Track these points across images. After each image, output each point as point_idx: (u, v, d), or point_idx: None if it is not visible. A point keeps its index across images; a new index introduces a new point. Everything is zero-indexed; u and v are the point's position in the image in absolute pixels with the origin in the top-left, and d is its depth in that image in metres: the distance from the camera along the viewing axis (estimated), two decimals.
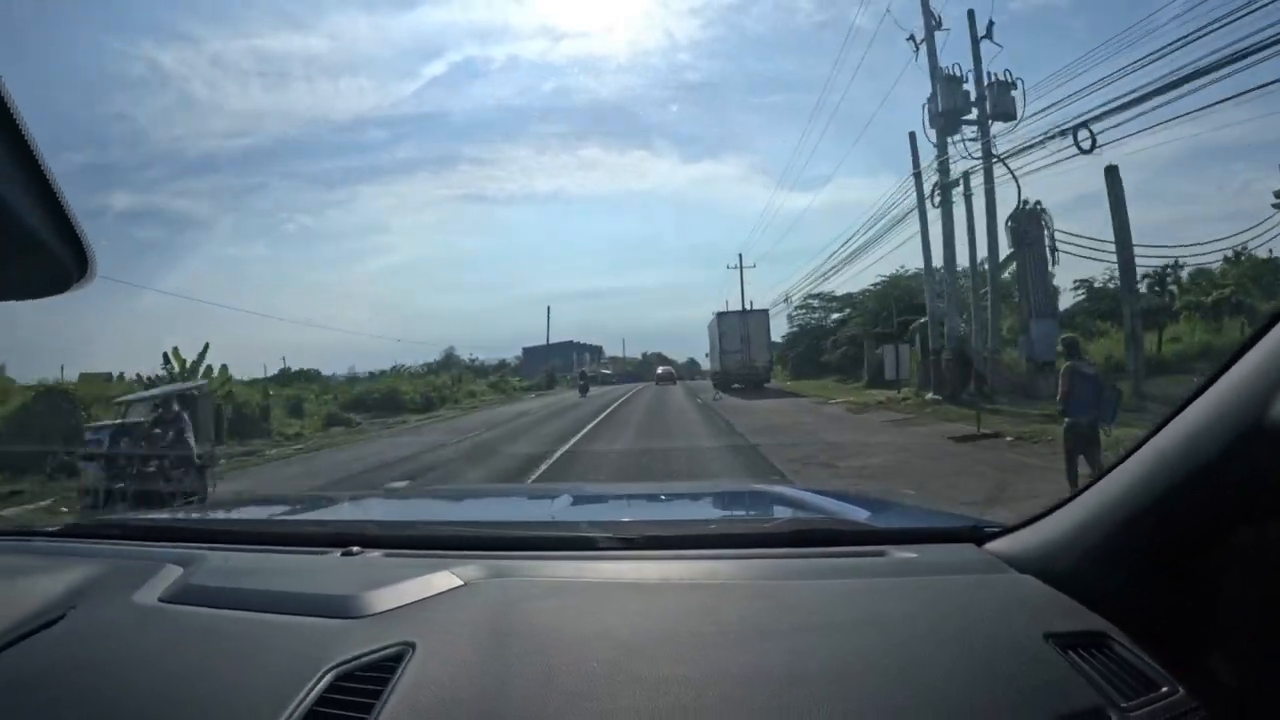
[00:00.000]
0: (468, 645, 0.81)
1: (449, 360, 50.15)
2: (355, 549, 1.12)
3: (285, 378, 31.01)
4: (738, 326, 28.60)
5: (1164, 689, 0.72)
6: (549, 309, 71.73)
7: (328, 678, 0.76)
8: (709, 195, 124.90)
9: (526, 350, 64.64)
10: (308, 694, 0.74)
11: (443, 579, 0.96)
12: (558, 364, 57.37)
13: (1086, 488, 0.89)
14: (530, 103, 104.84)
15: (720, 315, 30.57)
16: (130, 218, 54.57)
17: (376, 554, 1.11)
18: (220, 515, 1.84)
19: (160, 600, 0.97)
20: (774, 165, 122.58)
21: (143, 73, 70.95)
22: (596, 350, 76.80)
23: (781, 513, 1.56)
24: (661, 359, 63.65)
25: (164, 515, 1.82)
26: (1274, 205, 17.41)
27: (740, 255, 41.80)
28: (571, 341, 69.24)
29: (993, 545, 1.02)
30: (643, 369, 69.06)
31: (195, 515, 1.94)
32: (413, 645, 0.80)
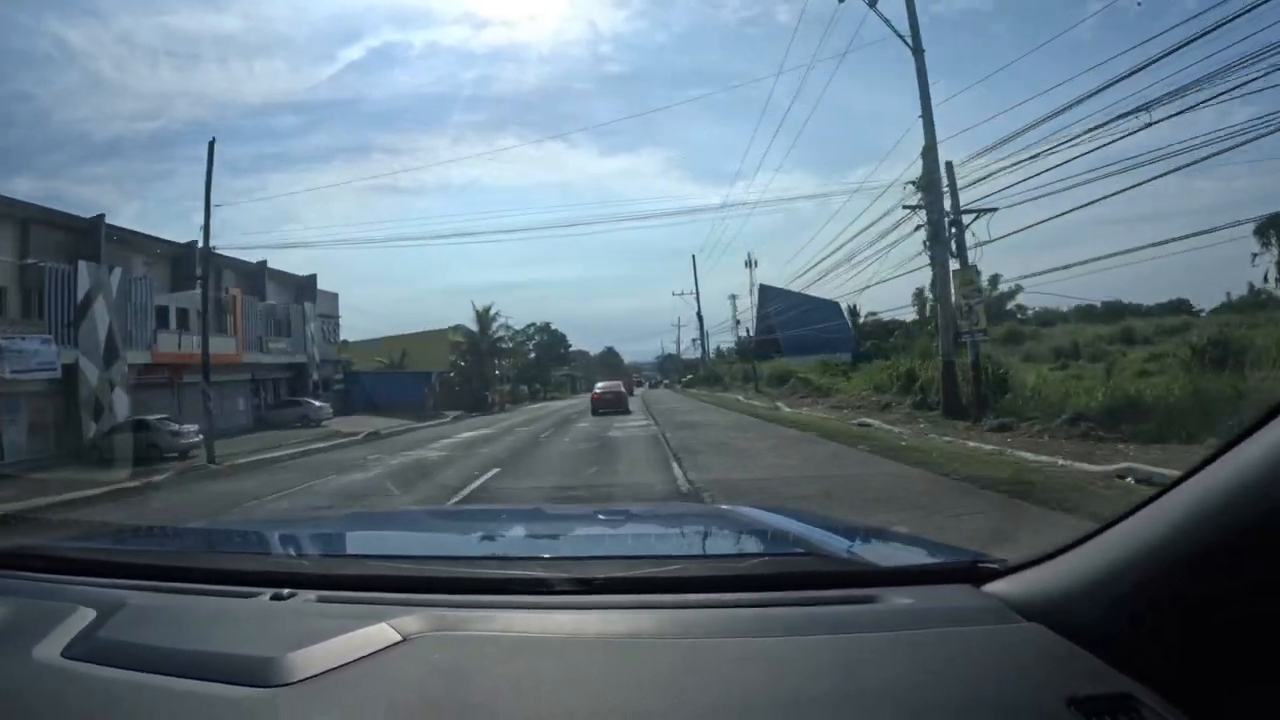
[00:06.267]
0: None
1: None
2: (286, 591, 1.03)
3: None
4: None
5: None
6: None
7: None
8: (627, 188, 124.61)
9: None
10: None
11: (379, 633, 0.87)
12: None
13: (1107, 525, 0.82)
14: (448, 92, 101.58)
15: None
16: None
17: (310, 596, 1.02)
18: (151, 545, 1.67)
19: (63, 655, 0.89)
20: (692, 160, 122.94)
21: (48, 50, 64.86)
22: None
23: (755, 544, 1.51)
24: (610, 366, 58.61)
25: (89, 544, 1.67)
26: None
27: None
28: None
29: (994, 587, 0.94)
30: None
31: (123, 545, 1.69)
32: None
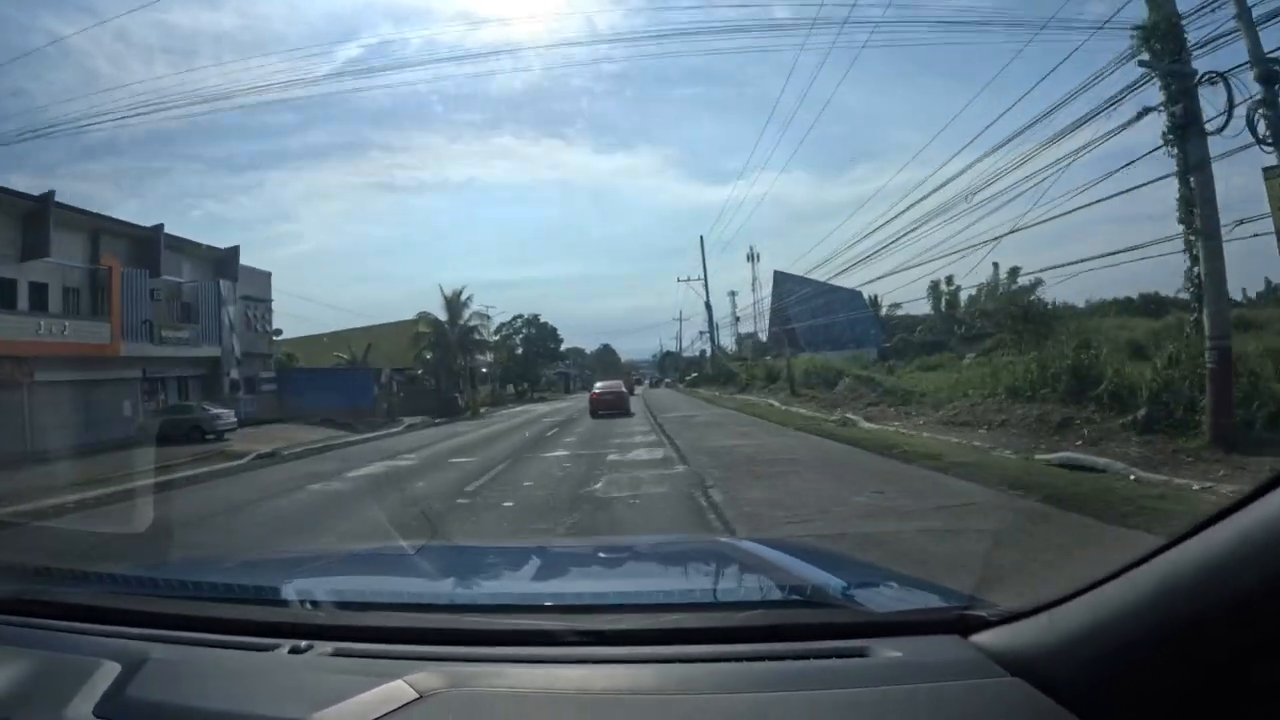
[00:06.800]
0: None
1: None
2: (304, 644, 1.07)
3: None
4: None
5: None
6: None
7: None
8: (624, 186, 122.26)
9: None
10: None
11: (396, 691, 0.90)
12: None
13: (1103, 580, 0.79)
14: (445, 89, 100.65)
15: None
16: None
17: (327, 649, 1.06)
18: (169, 592, 1.57)
19: (95, 715, 0.91)
20: (689, 159, 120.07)
21: (42, 45, 61.55)
22: None
23: (755, 588, 1.56)
24: (607, 364, 52.29)
25: (107, 590, 1.58)
26: None
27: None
28: None
29: (981, 638, 0.95)
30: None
31: (141, 591, 1.59)
32: None
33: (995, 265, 28.20)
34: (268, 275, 29.72)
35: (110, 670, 0.98)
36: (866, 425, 13.52)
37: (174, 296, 25.14)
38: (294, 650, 1.05)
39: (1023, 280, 27.41)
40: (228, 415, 21.21)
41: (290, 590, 1.46)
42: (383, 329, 35.35)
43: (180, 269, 25.64)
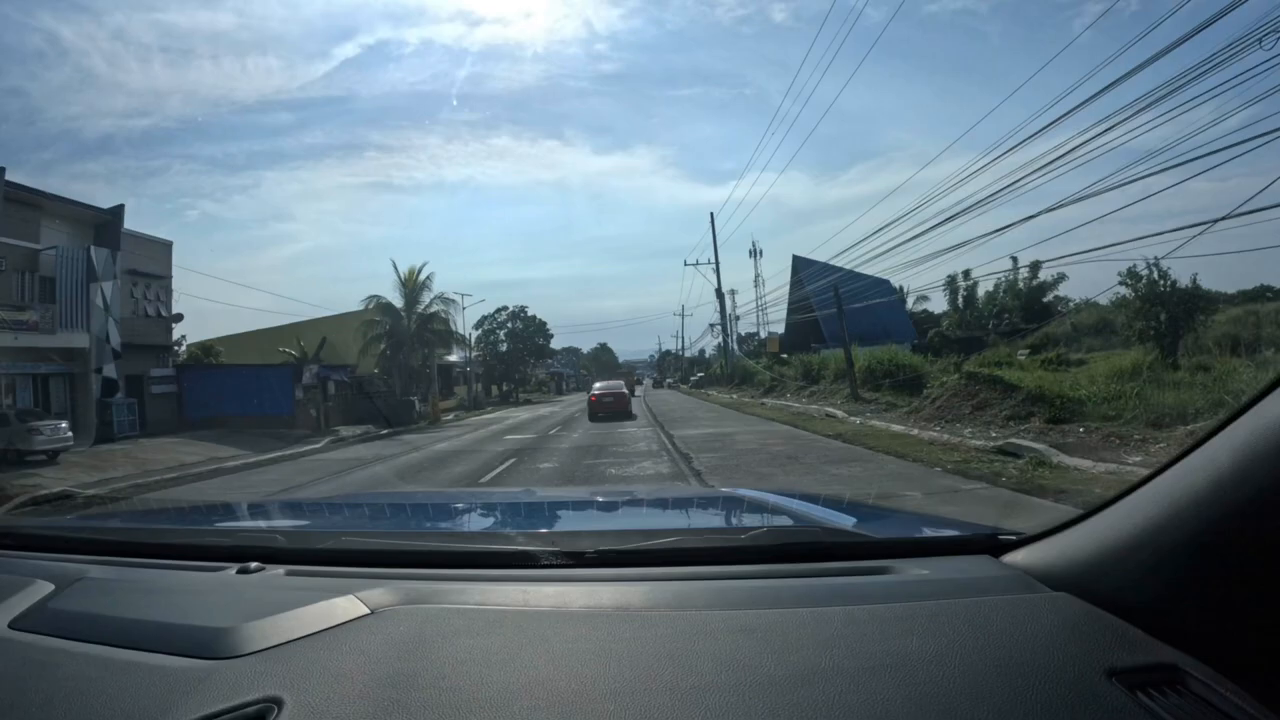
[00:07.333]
0: (354, 701, 0.66)
1: None
2: (254, 565, 1.01)
3: None
4: None
5: None
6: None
7: None
8: (619, 187, 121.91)
9: None
10: None
11: (345, 606, 0.83)
12: None
13: (1133, 488, 0.76)
14: (442, 89, 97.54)
15: None
16: None
17: (279, 570, 0.99)
18: (119, 521, 1.62)
19: (10, 626, 0.87)
20: (685, 159, 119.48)
21: (40, 45, 60.52)
22: None
23: (759, 520, 1.39)
24: (603, 363, 47.38)
25: (55, 520, 1.64)
26: None
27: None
28: None
29: (1013, 557, 0.90)
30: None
31: (96, 523, 1.63)
32: (279, 702, 0.66)
33: (1014, 259, 25.36)
34: (168, 246, 23.26)
35: (41, 588, 0.94)
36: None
37: (26, 267, 18.78)
38: (242, 571, 0.99)
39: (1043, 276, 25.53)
40: (54, 429, 14.81)
41: (246, 517, 1.36)
42: (345, 319, 28.84)
43: (38, 233, 19.30)
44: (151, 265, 22.31)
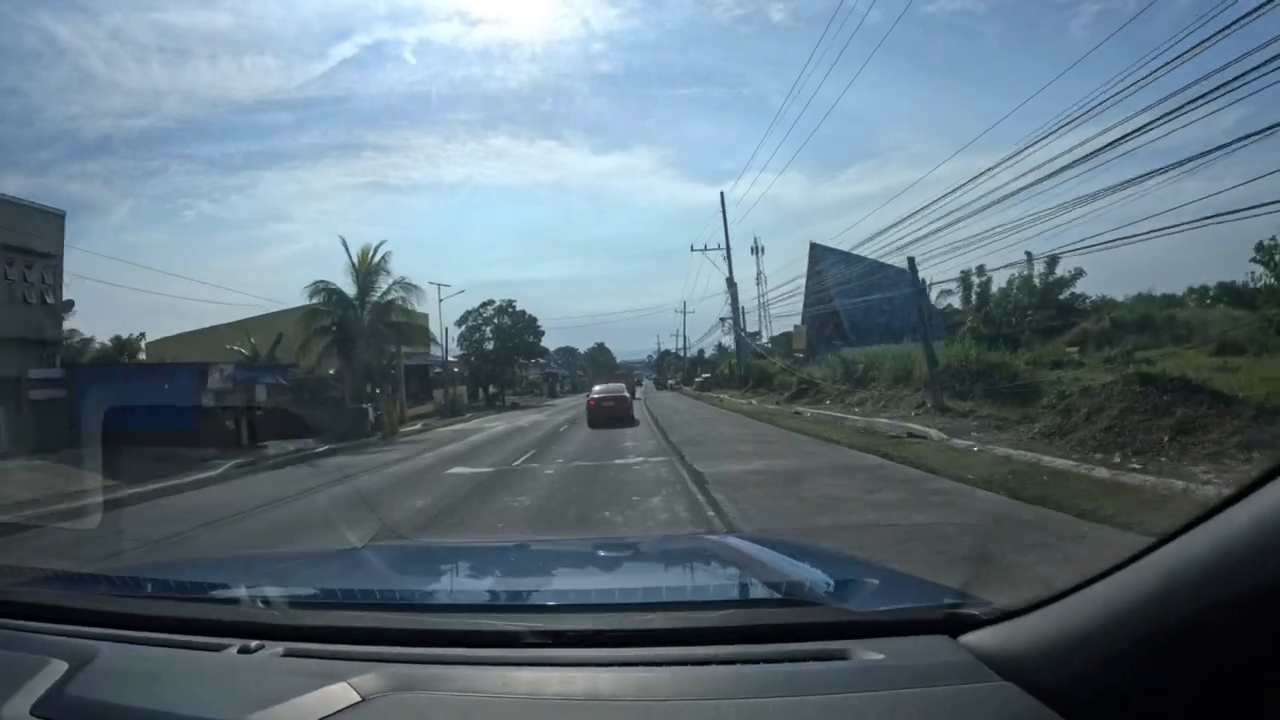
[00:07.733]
0: None
1: None
2: (254, 644, 1.04)
3: None
4: None
5: None
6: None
7: None
8: (618, 187, 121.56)
9: None
10: None
11: (339, 694, 0.87)
12: None
13: (1094, 579, 0.75)
14: (440, 89, 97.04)
15: None
16: None
17: (277, 649, 1.03)
18: (123, 591, 1.55)
19: (32, 713, 0.89)
20: (684, 159, 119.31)
21: (36, 45, 62.72)
22: None
23: (733, 586, 1.50)
24: (601, 364, 43.86)
25: (61, 590, 1.59)
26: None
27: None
28: None
29: (970, 638, 0.90)
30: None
31: (94, 590, 1.58)
32: None
33: (1028, 254, 22.32)
34: (60, 218, 18.75)
35: (56, 669, 0.97)
36: None
37: None
38: (244, 650, 1.03)
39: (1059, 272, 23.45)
40: None
41: (244, 589, 1.40)
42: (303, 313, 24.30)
43: None
44: (37, 242, 17.82)
